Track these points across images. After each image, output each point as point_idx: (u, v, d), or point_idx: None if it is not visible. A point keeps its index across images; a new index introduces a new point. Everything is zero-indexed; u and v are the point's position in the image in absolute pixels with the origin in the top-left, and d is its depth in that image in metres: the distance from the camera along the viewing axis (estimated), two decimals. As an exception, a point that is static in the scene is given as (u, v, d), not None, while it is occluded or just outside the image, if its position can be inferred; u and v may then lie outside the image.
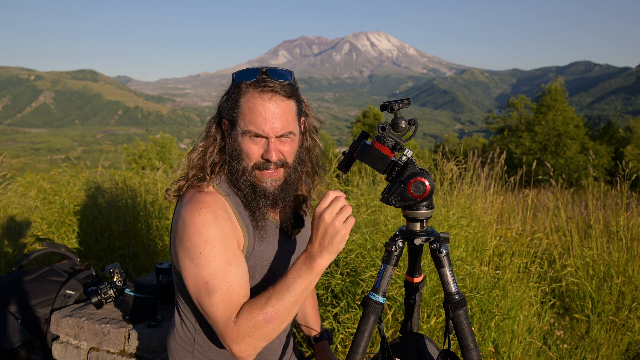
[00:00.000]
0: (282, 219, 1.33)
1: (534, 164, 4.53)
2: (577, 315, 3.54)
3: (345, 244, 1.16)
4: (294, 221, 1.34)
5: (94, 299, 2.30)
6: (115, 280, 2.36)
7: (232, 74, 1.26)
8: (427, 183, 1.15)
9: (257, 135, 1.22)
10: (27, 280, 2.69)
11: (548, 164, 4.73)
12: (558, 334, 3.30)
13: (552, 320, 3.45)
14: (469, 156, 4.51)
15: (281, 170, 1.27)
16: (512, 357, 2.94)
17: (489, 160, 4.60)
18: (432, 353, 1.39)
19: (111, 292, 2.33)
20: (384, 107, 1.22)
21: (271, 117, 1.20)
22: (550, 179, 4.58)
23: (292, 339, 1.52)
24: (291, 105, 1.25)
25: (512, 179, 4.80)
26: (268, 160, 1.23)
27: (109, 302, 2.34)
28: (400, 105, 1.20)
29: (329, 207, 1.11)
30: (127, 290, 2.18)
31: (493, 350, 2.93)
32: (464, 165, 4.29)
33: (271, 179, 1.26)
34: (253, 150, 1.23)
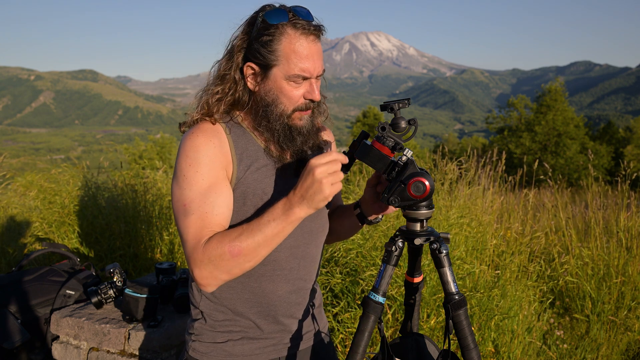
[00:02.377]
0: (292, 156, 1.34)
1: (536, 163, 4.54)
2: (577, 315, 3.54)
3: (323, 205, 1.15)
4: (301, 159, 1.35)
5: (94, 299, 2.30)
6: (115, 280, 2.36)
7: (260, 16, 1.24)
8: (427, 183, 1.15)
9: (304, 78, 1.24)
10: (27, 280, 2.69)
11: (546, 165, 4.73)
12: (558, 333, 3.30)
13: (551, 320, 3.45)
14: (470, 156, 4.51)
15: (312, 110, 1.31)
16: (512, 357, 2.94)
17: (488, 160, 4.60)
18: (432, 353, 1.39)
19: (111, 292, 2.33)
20: (384, 107, 1.22)
21: (315, 58, 1.24)
22: (549, 180, 4.58)
23: (315, 299, 1.48)
24: (321, 45, 1.29)
25: (511, 178, 4.81)
26: (312, 101, 1.27)
27: (109, 302, 2.34)
28: (400, 105, 1.20)
29: (325, 164, 1.11)
30: (127, 290, 2.18)
31: (493, 350, 2.93)
32: (464, 165, 4.29)
33: (307, 115, 1.29)
34: (295, 93, 1.25)
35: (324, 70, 1.28)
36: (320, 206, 1.14)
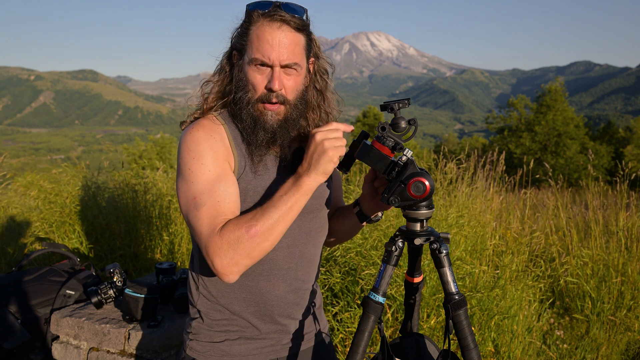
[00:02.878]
0: (283, 153, 1.35)
1: (531, 163, 4.54)
2: (576, 315, 3.54)
3: (331, 168, 1.17)
4: (298, 155, 1.34)
5: (94, 299, 2.30)
6: (115, 280, 2.36)
7: (246, 5, 1.28)
8: (427, 183, 1.15)
9: (263, 64, 1.24)
10: (27, 280, 2.69)
11: (547, 165, 4.74)
12: (558, 333, 3.30)
13: (552, 320, 3.45)
14: (471, 155, 4.52)
15: (282, 107, 1.28)
16: (512, 357, 2.94)
17: (487, 160, 4.60)
18: (432, 353, 1.39)
19: (111, 292, 2.33)
20: (384, 107, 1.22)
21: (278, 45, 1.22)
22: (550, 179, 4.58)
23: (314, 300, 1.47)
24: (300, 38, 1.26)
25: (511, 178, 4.81)
26: (271, 90, 1.24)
27: (109, 302, 2.34)
28: (400, 105, 1.20)
29: (326, 130, 1.17)
30: (127, 290, 2.18)
31: (493, 350, 2.93)
32: (463, 165, 4.30)
33: (272, 112, 1.27)
34: (258, 80, 1.25)
35: (295, 64, 1.25)
36: (329, 170, 1.16)
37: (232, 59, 1.33)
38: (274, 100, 1.26)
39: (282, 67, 1.24)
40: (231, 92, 1.32)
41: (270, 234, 1.15)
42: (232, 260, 1.13)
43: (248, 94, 1.27)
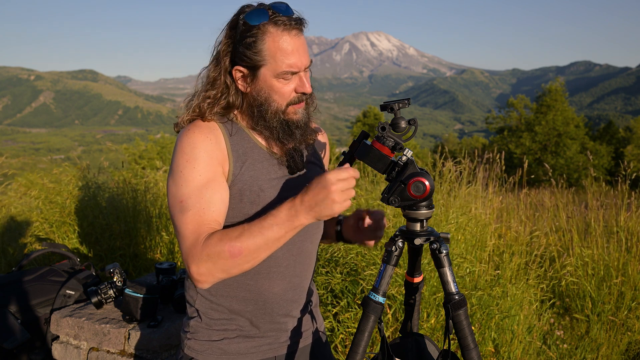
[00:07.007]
0: (287, 153, 1.35)
1: (526, 163, 4.55)
2: (577, 315, 3.54)
3: (329, 217, 1.15)
4: (296, 156, 1.35)
5: (94, 299, 2.30)
6: (115, 280, 2.36)
7: (241, 18, 1.25)
8: (427, 183, 1.15)
9: (293, 73, 1.26)
10: (27, 280, 2.69)
11: (547, 165, 4.74)
12: (558, 334, 3.30)
13: (552, 320, 3.45)
14: (470, 155, 4.52)
15: (304, 102, 1.32)
16: (512, 357, 2.94)
17: (484, 161, 4.60)
18: (432, 353, 1.39)
19: (111, 292, 2.34)
20: (384, 107, 1.22)
21: (302, 52, 1.25)
22: (551, 179, 4.58)
23: (311, 298, 1.49)
24: (304, 37, 1.30)
25: (511, 178, 4.81)
26: (304, 93, 1.28)
27: (109, 302, 2.34)
28: (400, 105, 1.20)
29: (343, 181, 1.11)
30: (127, 290, 2.18)
31: (493, 350, 2.93)
32: (462, 166, 4.30)
33: (301, 108, 1.31)
34: (286, 89, 1.27)
35: (311, 61, 1.30)
36: (325, 218, 1.14)
37: (233, 74, 1.29)
38: (303, 99, 1.31)
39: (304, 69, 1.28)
40: (236, 106, 1.32)
41: (252, 258, 1.15)
42: (208, 271, 1.14)
43: (274, 105, 1.27)
